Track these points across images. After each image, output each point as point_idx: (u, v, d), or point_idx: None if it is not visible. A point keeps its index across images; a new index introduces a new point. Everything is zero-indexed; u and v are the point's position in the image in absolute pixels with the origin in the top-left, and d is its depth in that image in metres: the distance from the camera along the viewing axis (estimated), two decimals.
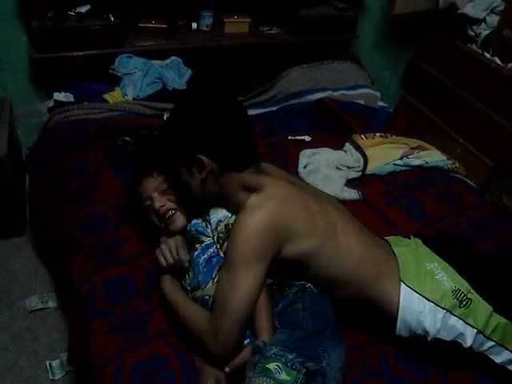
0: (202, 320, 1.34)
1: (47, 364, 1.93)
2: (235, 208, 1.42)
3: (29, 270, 2.29)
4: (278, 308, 1.37)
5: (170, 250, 1.46)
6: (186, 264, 1.46)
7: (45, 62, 2.40)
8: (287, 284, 1.41)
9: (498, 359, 1.40)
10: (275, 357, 1.16)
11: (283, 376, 1.13)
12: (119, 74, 2.38)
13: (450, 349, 1.41)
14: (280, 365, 1.15)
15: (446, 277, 1.44)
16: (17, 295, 2.17)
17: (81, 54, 2.34)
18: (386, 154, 2.28)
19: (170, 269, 1.47)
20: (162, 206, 1.54)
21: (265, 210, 1.32)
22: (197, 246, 1.47)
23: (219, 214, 1.47)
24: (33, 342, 2.01)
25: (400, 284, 1.43)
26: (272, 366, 1.14)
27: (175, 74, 2.45)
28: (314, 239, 1.38)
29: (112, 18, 2.36)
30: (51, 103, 2.31)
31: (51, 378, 1.90)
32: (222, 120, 1.37)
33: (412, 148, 2.35)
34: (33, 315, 2.11)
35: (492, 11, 2.66)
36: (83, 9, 2.36)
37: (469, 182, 2.31)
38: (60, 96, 2.27)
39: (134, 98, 2.33)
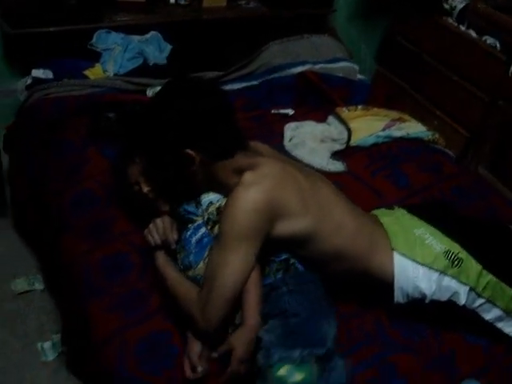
0: (192, 294, 1.33)
1: (39, 346, 1.90)
2: (228, 191, 1.40)
3: (13, 253, 2.23)
4: None
5: (157, 230, 1.46)
6: (173, 246, 1.46)
7: (20, 39, 2.31)
8: (267, 261, 1.38)
9: (487, 316, 1.46)
10: (281, 362, 1.15)
11: (297, 376, 1.12)
12: (98, 50, 2.32)
13: (446, 308, 1.46)
14: (289, 367, 1.13)
15: (435, 240, 1.47)
16: (2, 278, 2.12)
17: (57, 29, 2.26)
18: (368, 125, 2.31)
19: (161, 248, 1.47)
20: (150, 189, 1.55)
21: (260, 186, 1.30)
22: (189, 225, 1.47)
23: (210, 196, 1.46)
24: (22, 325, 1.98)
25: (392, 252, 1.46)
26: (283, 372, 1.13)
27: (155, 48, 2.40)
28: (307, 218, 1.37)
29: None
30: (29, 81, 2.23)
31: (44, 359, 1.87)
32: (206, 112, 1.33)
33: (393, 120, 2.38)
34: (20, 298, 2.07)
35: None
36: None
37: (448, 152, 2.37)
38: (39, 73, 2.20)
39: (114, 74, 2.28)
